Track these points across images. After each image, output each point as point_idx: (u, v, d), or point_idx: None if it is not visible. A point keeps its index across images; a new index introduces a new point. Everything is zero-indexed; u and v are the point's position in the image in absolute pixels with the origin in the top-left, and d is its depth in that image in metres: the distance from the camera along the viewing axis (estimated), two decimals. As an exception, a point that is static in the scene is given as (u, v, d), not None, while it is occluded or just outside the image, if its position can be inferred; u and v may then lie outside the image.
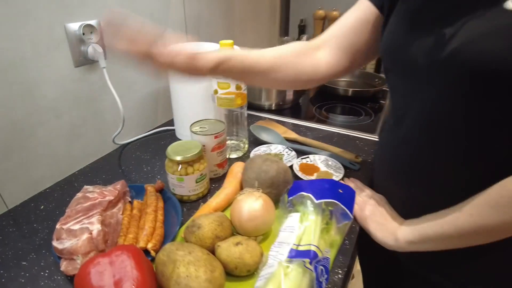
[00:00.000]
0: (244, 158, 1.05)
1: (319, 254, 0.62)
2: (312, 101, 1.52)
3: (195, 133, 0.89)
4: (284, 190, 0.80)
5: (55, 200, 0.91)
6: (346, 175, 0.94)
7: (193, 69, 0.66)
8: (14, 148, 0.87)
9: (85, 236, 0.68)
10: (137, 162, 1.05)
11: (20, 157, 0.89)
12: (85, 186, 0.83)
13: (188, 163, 0.82)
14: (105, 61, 0.97)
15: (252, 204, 0.71)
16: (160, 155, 1.08)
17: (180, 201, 0.85)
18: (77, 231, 0.69)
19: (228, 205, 0.82)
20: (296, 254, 0.62)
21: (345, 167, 0.97)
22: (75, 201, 0.77)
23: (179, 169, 0.82)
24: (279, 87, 0.86)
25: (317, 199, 0.72)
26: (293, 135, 1.14)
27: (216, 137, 0.89)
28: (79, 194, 0.79)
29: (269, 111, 1.39)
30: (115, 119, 1.09)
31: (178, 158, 0.81)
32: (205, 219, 0.68)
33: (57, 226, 0.71)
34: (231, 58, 0.70)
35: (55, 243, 0.69)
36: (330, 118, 1.35)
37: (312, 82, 0.83)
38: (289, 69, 0.77)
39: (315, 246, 0.63)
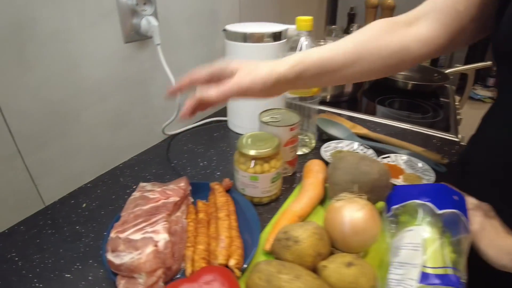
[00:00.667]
0: (310, 155, 0.90)
1: (462, 279, 0.48)
2: (367, 94, 1.36)
3: (266, 123, 0.74)
4: (384, 196, 0.65)
5: (98, 197, 0.77)
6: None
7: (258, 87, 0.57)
8: (53, 135, 0.72)
9: (150, 249, 0.53)
10: (190, 155, 0.90)
11: (59, 145, 0.74)
12: (141, 184, 0.68)
13: (264, 159, 0.67)
14: (159, 37, 0.82)
15: (356, 214, 0.56)
16: (216, 148, 0.93)
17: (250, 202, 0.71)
18: (138, 242, 0.54)
19: (310, 211, 0.67)
20: (433, 280, 0.47)
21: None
22: (132, 203, 0.62)
23: (252, 166, 0.67)
24: (362, 79, 0.69)
25: (439, 208, 0.56)
26: (363, 130, 0.99)
27: (292, 129, 0.74)
28: (136, 194, 0.64)
29: (323, 103, 1.23)
30: (165, 105, 0.94)
31: (253, 152, 0.66)
32: (302, 231, 0.53)
33: (112, 235, 0.56)
34: (303, 61, 0.59)
35: (110, 256, 0.54)
36: (393, 112, 1.19)
37: (403, 66, 0.67)
38: (374, 56, 0.61)
39: (453, 269, 0.48)
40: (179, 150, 0.92)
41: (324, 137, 0.97)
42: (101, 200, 0.76)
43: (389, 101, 1.29)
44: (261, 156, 0.66)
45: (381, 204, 0.67)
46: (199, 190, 0.72)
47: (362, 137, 0.96)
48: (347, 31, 1.67)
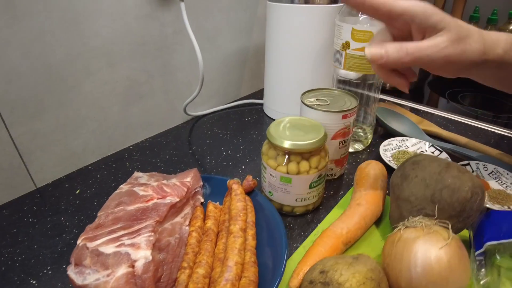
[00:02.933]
0: (364, 154, 0.67)
1: None
2: (433, 85, 1.09)
3: (310, 106, 0.52)
4: (472, 223, 0.42)
5: (96, 183, 0.60)
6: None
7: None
8: (48, 104, 0.56)
9: (123, 270, 0.34)
10: (213, 142, 0.71)
11: (56, 117, 0.58)
12: (136, 173, 0.50)
13: (303, 155, 0.46)
14: (184, -8, 0.63)
15: (435, 253, 0.34)
16: (245, 136, 0.73)
17: (278, 211, 0.50)
18: (110, 257, 0.36)
19: (361, 235, 0.45)
20: None
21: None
22: (115, 199, 0.44)
23: (285, 163, 0.46)
24: None
25: None
26: (432, 127, 0.74)
27: (345, 116, 0.51)
28: (123, 187, 0.46)
29: (382, 90, 0.98)
30: (190, 80, 0.75)
31: (287, 144, 0.45)
32: (350, 274, 0.32)
33: (79, 241, 0.38)
34: None
35: (72, 272, 0.36)
36: (469, 109, 0.92)
37: None
38: None
39: None
40: (202, 135, 0.73)
41: (381, 132, 0.73)
42: (98, 187, 0.59)
43: (461, 95, 1.01)
44: (299, 150, 0.45)
45: (464, 233, 0.44)
46: (215, 187, 0.52)
47: (431, 135, 0.72)
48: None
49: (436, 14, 0.37)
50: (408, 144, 0.66)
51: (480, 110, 0.92)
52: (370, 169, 0.51)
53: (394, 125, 0.72)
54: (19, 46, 0.51)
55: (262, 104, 0.84)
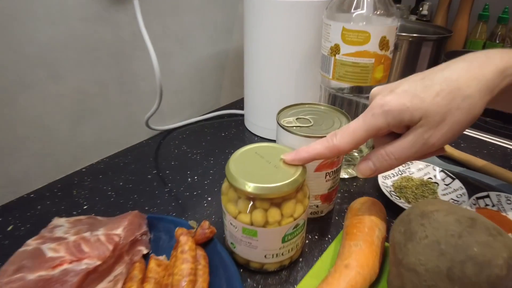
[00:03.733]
0: (360, 182, 0.54)
1: None
2: None
3: (288, 130, 0.40)
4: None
5: (35, 216, 0.47)
6: None
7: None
8: None
9: None
10: (179, 163, 0.58)
11: None
12: (55, 220, 0.38)
13: (272, 200, 0.34)
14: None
15: None
16: (218, 157, 0.60)
17: (242, 267, 0.38)
18: None
19: (351, 306, 0.33)
20: None
21: None
22: (15, 262, 0.31)
23: (248, 211, 0.34)
24: None
25: None
26: (447, 148, 0.61)
27: None
28: (30, 243, 0.33)
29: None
30: (156, 90, 0.63)
31: (251, 188, 0.32)
32: None
33: None
34: None
35: None
36: (492, 124, 0.78)
37: None
38: None
39: None
40: (167, 154, 0.60)
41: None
42: (36, 223, 0.46)
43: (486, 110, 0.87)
44: (266, 196, 0.32)
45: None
46: (169, 231, 0.40)
47: (442, 156, 0.59)
48: (415, 12, 1.24)
49: (403, 110, 0.31)
50: (413, 169, 0.53)
51: (488, 118, 0.78)
52: (365, 212, 0.39)
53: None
54: None
55: (243, 115, 0.71)
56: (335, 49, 0.44)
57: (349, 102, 0.50)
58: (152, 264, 0.36)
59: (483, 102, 0.30)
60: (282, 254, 0.36)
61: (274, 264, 0.37)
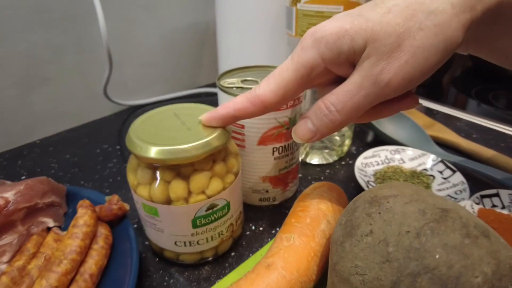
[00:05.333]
0: (338, 169, 0.43)
1: None
2: (457, 82, 0.81)
3: (226, 91, 0.30)
4: None
5: None
6: None
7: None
8: None
9: None
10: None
11: None
12: None
13: (179, 171, 0.25)
14: None
15: None
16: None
17: (158, 256, 0.29)
18: None
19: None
20: None
21: None
22: None
23: (148, 182, 0.25)
24: None
25: None
26: (448, 134, 0.48)
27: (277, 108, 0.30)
28: None
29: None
30: (119, 59, 0.54)
31: (144, 150, 0.23)
32: None
33: None
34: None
35: None
36: (505, 113, 0.64)
37: None
38: None
39: None
40: (125, 132, 0.52)
41: (368, 138, 0.49)
42: None
43: (492, 94, 0.72)
44: (166, 162, 0.23)
45: None
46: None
47: (445, 145, 0.47)
48: None
49: (341, 34, 0.20)
50: (405, 157, 0.41)
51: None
52: (314, 198, 0.28)
53: (389, 127, 0.47)
54: None
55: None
56: (297, -2, 0.34)
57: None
58: (49, 238, 0.28)
59: (459, 20, 0.18)
60: (198, 243, 0.27)
61: (191, 255, 0.28)
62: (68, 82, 0.51)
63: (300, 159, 0.38)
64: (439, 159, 0.40)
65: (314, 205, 0.27)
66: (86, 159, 0.45)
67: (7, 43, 0.44)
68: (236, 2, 0.46)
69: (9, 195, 0.28)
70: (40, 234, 0.30)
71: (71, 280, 0.25)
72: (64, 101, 0.52)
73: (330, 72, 0.22)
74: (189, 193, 0.24)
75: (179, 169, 0.24)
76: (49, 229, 0.31)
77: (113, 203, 0.29)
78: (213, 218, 0.26)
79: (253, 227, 0.33)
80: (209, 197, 0.25)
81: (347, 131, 0.44)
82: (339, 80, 0.22)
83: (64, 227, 0.32)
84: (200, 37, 0.65)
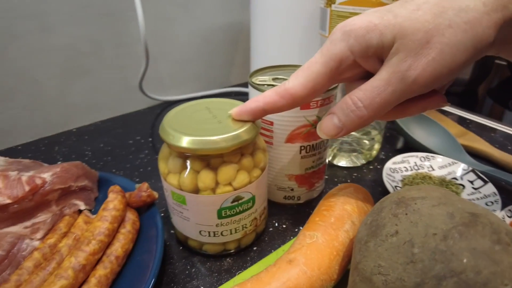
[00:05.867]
0: (365, 173, 0.43)
1: None
2: (494, 92, 0.77)
3: (258, 88, 0.30)
4: None
5: None
6: None
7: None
8: None
9: None
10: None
11: None
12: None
13: (209, 160, 0.25)
14: None
15: None
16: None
17: (182, 245, 0.30)
18: None
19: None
20: None
21: None
22: None
23: (178, 170, 0.26)
24: None
25: None
26: (481, 144, 0.46)
27: (306, 106, 0.30)
28: None
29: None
30: (155, 55, 0.57)
31: (176, 139, 0.24)
32: None
33: None
34: None
35: None
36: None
37: None
38: None
39: None
40: (158, 125, 0.54)
41: (398, 143, 0.48)
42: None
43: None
44: (196, 152, 0.24)
45: None
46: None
47: (477, 156, 0.45)
48: None
49: (370, 28, 0.20)
50: (434, 165, 0.40)
51: None
52: (340, 198, 0.28)
53: (419, 134, 0.46)
54: None
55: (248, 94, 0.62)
56: (332, -1, 0.34)
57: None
58: (80, 219, 0.30)
59: (490, 19, 0.18)
60: (222, 234, 0.27)
61: (214, 246, 0.29)
62: (105, 75, 0.54)
63: (327, 161, 0.38)
64: (470, 168, 0.39)
65: (340, 205, 0.27)
66: (119, 148, 0.47)
67: (53, 35, 0.47)
68: (270, 3, 0.47)
69: (46, 176, 0.30)
70: (72, 215, 0.31)
71: (98, 261, 0.26)
72: (101, 93, 0.55)
73: (359, 66, 0.22)
74: (217, 184, 0.25)
75: (209, 160, 0.25)
76: (80, 211, 0.33)
77: (143, 190, 0.30)
78: (238, 211, 0.27)
79: (276, 224, 0.33)
80: (235, 189, 0.26)
81: (376, 135, 0.43)
82: (367, 75, 0.22)
83: (94, 211, 0.34)
84: (234, 37, 0.66)
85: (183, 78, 0.63)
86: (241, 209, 0.27)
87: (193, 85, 0.64)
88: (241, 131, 0.24)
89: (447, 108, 0.60)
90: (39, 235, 0.29)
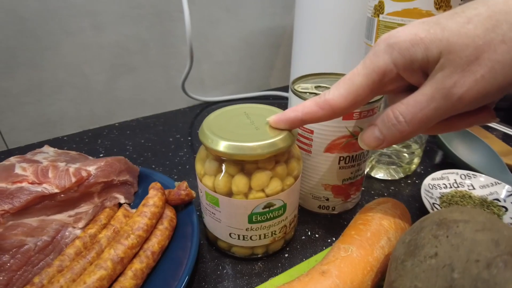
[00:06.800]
0: (402, 187, 0.41)
1: None
2: None
3: (300, 96, 0.30)
4: None
5: None
6: None
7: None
8: (20, 62, 0.46)
9: None
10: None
11: (28, 77, 0.48)
12: (45, 147, 0.36)
13: (244, 165, 0.26)
14: None
15: None
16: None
17: (213, 245, 0.31)
18: None
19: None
20: None
21: None
22: None
23: (213, 173, 0.27)
24: None
25: None
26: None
27: (348, 116, 0.29)
28: (11, 159, 0.32)
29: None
30: (198, 56, 0.59)
31: (214, 143, 0.25)
32: None
33: None
34: None
35: None
36: None
37: None
38: None
39: None
40: (197, 125, 0.56)
41: (437, 158, 0.46)
42: None
43: None
44: (232, 156, 0.24)
45: None
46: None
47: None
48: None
49: (415, 42, 0.19)
50: (476, 184, 0.38)
51: None
52: (377, 213, 0.28)
53: (461, 150, 0.44)
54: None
55: (288, 99, 0.63)
56: (379, 8, 0.33)
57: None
58: (119, 213, 0.32)
59: None
60: (251, 238, 0.28)
61: (243, 249, 0.29)
62: (150, 73, 0.56)
63: (365, 172, 0.37)
64: (514, 190, 0.37)
65: (377, 220, 0.27)
66: (159, 145, 0.49)
67: (103, 33, 0.50)
68: (315, 8, 0.46)
69: (91, 169, 0.32)
70: (112, 208, 0.33)
71: (135, 254, 0.28)
72: (145, 90, 0.57)
73: (402, 79, 0.21)
74: (250, 189, 0.26)
75: (244, 165, 0.26)
76: (120, 205, 0.34)
77: (182, 188, 0.32)
78: (268, 217, 0.27)
79: (309, 233, 0.33)
80: (267, 196, 0.26)
81: (417, 149, 0.42)
82: (411, 88, 0.22)
83: (133, 205, 0.35)
84: (275, 41, 0.67)
85: (224, 79, 0.64)
86: (272, 216, 0.27)
87: (233, 87, 0.66)
88: (278, 139, 0.25)
89: (492, 124, 0.57)
90: (81, 224, 0.31)
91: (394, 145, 0.43)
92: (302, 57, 0.51)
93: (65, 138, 0.52)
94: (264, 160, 0.25)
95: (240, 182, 0.25)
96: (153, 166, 0.44)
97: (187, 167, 0.44)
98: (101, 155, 0.47)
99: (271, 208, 0.27)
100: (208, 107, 0.62)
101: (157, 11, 0.52)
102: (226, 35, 0.60)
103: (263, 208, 0.26)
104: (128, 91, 0.56)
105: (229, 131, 0.26)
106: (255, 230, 0.27)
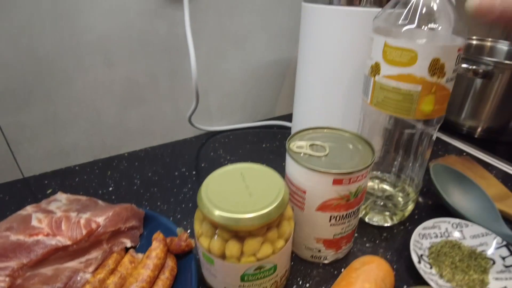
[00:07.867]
0: (395, 234, 0.43)
1: None
2: None
3: (294, 158, 0.33)
4: None
5: (71, 187, 0.51)
6: None
7: None
8: (36, 97, 0.50)
9: None
10: (208, 167, 0.56)
11: (44, 111, 0.52)
12: (58, 194, 0.39)
13: (236, 233, 0.29)
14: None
15: None
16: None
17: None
18: None
19: None
20: None
21: None
22: (9, 221, 0.34)
23: (209, 235, 0.29)
24: None
25: None
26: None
27: (338, 181, 0.31)
28: (27, 209, 0.35)
29: (469, 138, 0.67)
30: (206, 89, 0.62)
31: (217, 214, 0.27)
32: None
33: None
34: None
35: None
36: None
37: None
38: None
39: None
40: (202, 156, 0.59)
41: (433, 203, 0.47)
42: (75, 189, 0.51)
43: None
44: (225, 226, 0.27)
45: None
46: (158, 229, 0.38)
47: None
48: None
49: None
50: (466, 233, 0.40)
51: None
52: (360, 275, 0.30)
53: (456, 197, 0.45)
54: (5, 36, 0.46)
55: (291, 128, 0.65)
56: (376, 69, 0.35)
57: (390, 131, 0.40)
58: (126, 259, 0.35)
59: None
60: (244, 294, 0.30)
61: (237, 303, 0.32)
62: (159, 105, 0.60)
63: (359, 216, 0.39)
64: (505, 242, 0.38)
65: (360, 283, 0.29)
66: (165, 180, 0.53)
67: (116, 68, 0.54)
68: (318, 45, 0.48)
69: (100, 220, 0.35)
70: (119, 252, 0.36)
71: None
72: (154, 121, 0.61)
73: None
74: (242, 253, 0.28)
75: (237, 231, 0.28)
76: (127, 248, 0.37)
77: (182, 240, 0.35)
78: (259, 277, 0.30)
79: (300, 282, 0.36)
80: (258, 260, 0.28)
81: (411, 192, 0.43)
82: None
83: (138, 247, 0.38)
84: (281, 71, 0.70)
85: (230, 110, 0.67)
86: (263, 275, 0.30)
87: (238, 116, 0.69)
88: (270, 209, 0.27)
89: (493, 161, 0.58)
90: (91, 269, 0.34)
91: (389, 188, 0.45)
92: (304, 92, 0.53)
93: (76, 168, 0.56)
94: (257, 228, 0.28)
95: (233, 248, 0.28)
96: (158, 203, 0.47)
97: (190, 205, 0.47)
98: (110, 188, 0.50)
99: (262, 269, 0.29)
100: (213, 136, 0.65)
101: (166, 47, 0.55)
102: (232, 68, 0.63)
103: (255, 270, 0.29)
104: (138, 121, 0.59)
105: (224, 198, 0.28)
106: (247, 287, 0.30)
